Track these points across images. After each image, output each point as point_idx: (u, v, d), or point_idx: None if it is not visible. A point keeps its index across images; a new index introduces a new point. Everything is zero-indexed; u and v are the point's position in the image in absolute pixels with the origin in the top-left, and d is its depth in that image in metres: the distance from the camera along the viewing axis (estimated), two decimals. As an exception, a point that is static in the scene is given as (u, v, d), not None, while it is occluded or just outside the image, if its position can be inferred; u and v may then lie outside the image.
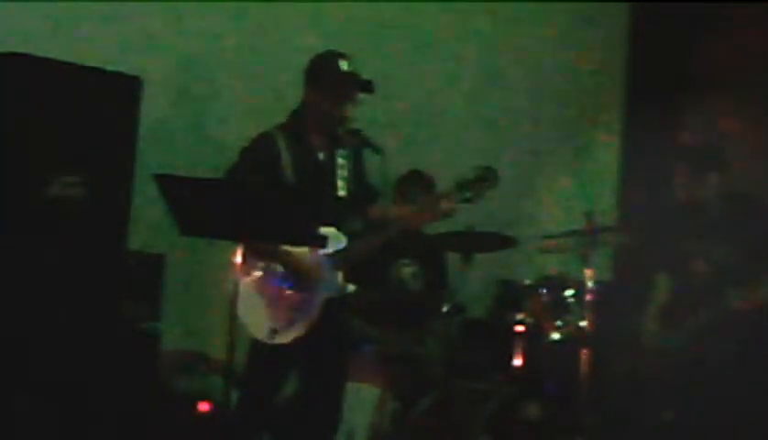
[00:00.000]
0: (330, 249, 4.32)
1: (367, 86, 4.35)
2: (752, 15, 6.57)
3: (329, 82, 4.36)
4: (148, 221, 4.55)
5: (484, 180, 4.45)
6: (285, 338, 4.24)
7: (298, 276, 4.30)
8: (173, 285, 4.78)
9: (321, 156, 4.44)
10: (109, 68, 4.47)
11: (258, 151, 4.34)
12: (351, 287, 4.40)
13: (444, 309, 5.20)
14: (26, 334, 4.14)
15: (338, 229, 4.36)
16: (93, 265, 4.33)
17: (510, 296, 5.58)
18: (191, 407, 4.67)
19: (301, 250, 4.29)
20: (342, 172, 4.44)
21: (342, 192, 4.42)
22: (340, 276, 4.37)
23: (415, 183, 5.54)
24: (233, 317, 3.91)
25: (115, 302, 4.43)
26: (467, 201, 4.46)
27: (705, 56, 6.87)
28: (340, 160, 4.45)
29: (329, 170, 4.43)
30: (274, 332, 4.24)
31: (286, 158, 4.33)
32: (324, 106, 4.38)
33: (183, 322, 5.00)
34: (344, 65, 4.36)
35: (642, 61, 7.05)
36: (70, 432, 4.20)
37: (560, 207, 6.58)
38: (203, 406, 4.66)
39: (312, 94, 4.41)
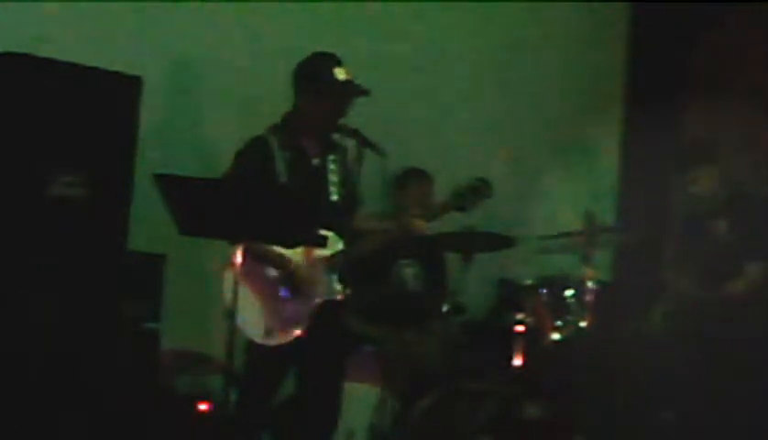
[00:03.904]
0: (327, 252, 4.33)
1: (363, 93, 4.36)
2: (752, 15, 6.57)
3: (324, 90, 4.35)
4: (148, 221, 4.55)
5: (477, 190, 4.54)
6: (280, 340, 4.25)
7: (294, 278, 4.30)
8: (173, 285, 4.78)
9: (314, 160, 4.44)
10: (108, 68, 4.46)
11: (253, 155, 4.34)
12: (347, 290, 4.41)
13: (444, 309, 5.20)
14: (25, 334, 4.14)
15: (333, 232, 4.37)
16: (93, 265, 4.33)
17: (510, 296, 5.58)
18: (191, 407, 4.66)
19: (297, 252, 4.29)
20: (333, 177, 4.45)
21: (334, 197, 4.43)
22: (336, 279, 4.37)
23: (415, 180, 5.55)
24: (232, 317, 3.91)
25: (115, 302, 4.43)
26: (461, 210, 4.53)
27: (705, 56, 6.87)
28: (331, 165, 4.46)
29: (322, 174, 4.43)
30: (269, 333, 4.25)
31: (280, 161, 4.33)
32: (319, 113, 4.38)
33: (183, 322, 4.99)
34: (339, 73, 4.35)
35: (642, 61, 7.05)
36: (69, 432, 4.19)
37: (560, 207, 6.58)
38: (203, 406, 4.66)
39: (306, 100, 4.40)
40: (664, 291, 5.59)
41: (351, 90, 4.36)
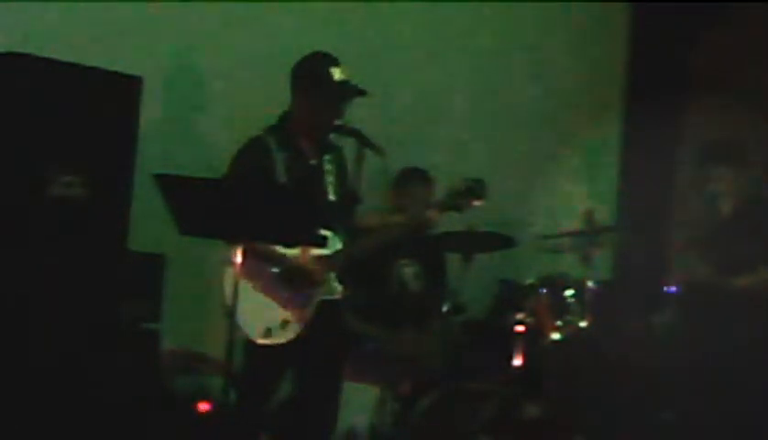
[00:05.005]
0: (326, 251, 4.33)
1: (360, 93, 4.36)
2: (752, 15, 6.57)
3: (322, 92, 4.35)
4: (148, 221, 4.55)
5: (472, 191, 4.56)
6: (279, 339, 4.25)
7: (294, 277, 4.30)
8: (173, 285, 4.78)
9: (311, 160, 4.45)
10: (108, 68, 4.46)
11: (251, 155, 4.35)
12: (346, 289, 4.42)
13: (444, 309, 5.20)
14: (25, 333, 4.14)
15: (332, 232, 4.37)
16: (93, 265, 4.33)
17: (510, 296, 5.58)
18: (191, 407, 4.66)
19: (296, 252, 4.30)
20: (330, 177, 4.45)
21: (332, 197, 4.44)
22: (335, 278, 4.38)
23: (414, 180, 5.55)
24: (232, 317, 3.91)
25: (114, 302, 4.43)
26: (456, 210, 4.56)
27: (705, 56, 6.87)
28: (328, 165, 4.47)
29: (320, 174, 4.44)
30: (269, 332, 4.25)
31: (278, 162, 4.34)
32: (316, 113, 4.38)
33: (183, 322, 5.00)
34: (336, 74, 4.35)
35: (642, 61, 7.05)
36: (69, 431, 4.19)
37: (560, 207, 6.58)
38: (203, 406, 4.66)
39: (303, 101, 4.40)
40: (680, 278, 5.55)
41: (348, 90, 4.36)
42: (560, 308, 5.33)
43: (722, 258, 5.35)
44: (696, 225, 5.81)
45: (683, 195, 6.68)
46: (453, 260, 5.46)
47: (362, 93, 4.36)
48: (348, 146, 4.47)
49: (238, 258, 3.92)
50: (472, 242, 5.22)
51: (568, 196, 6.69)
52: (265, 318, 4.27)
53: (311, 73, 4.39)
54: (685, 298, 5.42)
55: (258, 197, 3.90)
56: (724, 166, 5.47)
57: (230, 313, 3.92)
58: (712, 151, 5.65)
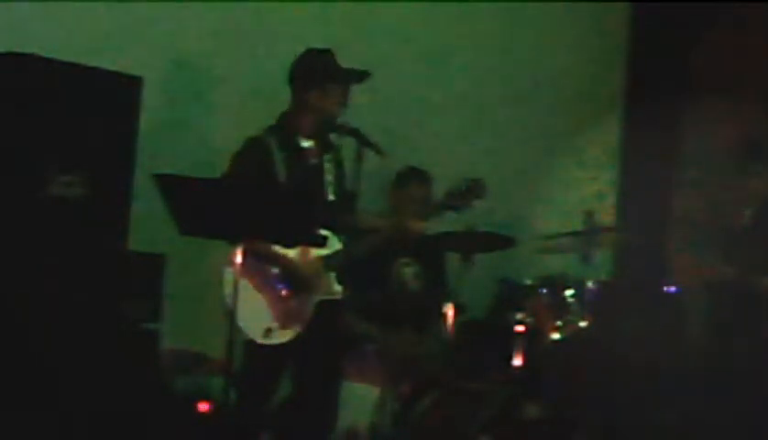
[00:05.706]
0: (325, 251, 4.33)
1: (362, 75, 4.38)
2: (752, 15, 6.57)
3: (327, 79, 4.36)
4: (148, 221, 4.55)
5: (471, 191, 4.59)
6: (279, 339, 4.26)
7: (293, 277, 4.31)
8: (173, 285, 4.78)
9: (311, 160, 4.45)
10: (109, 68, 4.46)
11: (251, 155, 4.36)
12: (346, 289, 4.42)
13: (444, 309, 5.20)
14: (25, 333, 4.14)
15: (331, 232, 4.37)
16: (93, 265, 4.33)
17: (510, 296, 5.57)
18: (191, 407, 4.66)
19: (295, 252, 4.30)
20: (329, 177, 4.46)
21: (331, 197, 4.44)
22: (334, 278, 4.38)
23: (412, 180, 5.55)
24: (232, 317, 3.91)
25: (114, 302, 4.43)
26: (454, 210, 4.56)
27: (705, 56, 6.87)
28: (327, 165, 4.47)
29: (319, 174, 4.44)
30: (269, 332, 4.25)
31: (278, 162, 4.34)
32: (322, 104, 4.39)
33: (183, 322, 4.99)
34: (335, 62, 4.37)
35: (642, 61, 7.05)
36: (69, 432, 4.19)
37: (560, 207, 6.58)
38: (203, 406, 4.66)
39: (309, 93, 4.41)
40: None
41: (353, 74, 4.38)
42: (560, 308, 5.33)
43: (750, 257, 5.31)
44: (723, 224, 5.76)
45: (686, 195, 6.68)
46: (453, 260, 5.46)
47: (365, 74, 4.37)
48: (348, 145, 4.47)
49: (238, 258, 3.92)
50: (472, 242, 5.22)
51: (568, 196, 6.68)
52: (265, 318, 4.28)
53: (314, 64, 4.40)
54: (712, 297, 5.39)
55: (258, 197, 3.91)
56: (759, 162, 5.40)
57: (230, 313, 3.93)
58: (754, 148, 5.59)
